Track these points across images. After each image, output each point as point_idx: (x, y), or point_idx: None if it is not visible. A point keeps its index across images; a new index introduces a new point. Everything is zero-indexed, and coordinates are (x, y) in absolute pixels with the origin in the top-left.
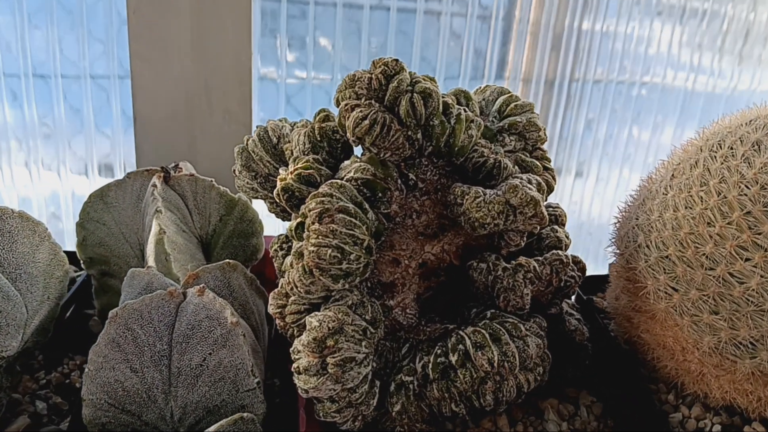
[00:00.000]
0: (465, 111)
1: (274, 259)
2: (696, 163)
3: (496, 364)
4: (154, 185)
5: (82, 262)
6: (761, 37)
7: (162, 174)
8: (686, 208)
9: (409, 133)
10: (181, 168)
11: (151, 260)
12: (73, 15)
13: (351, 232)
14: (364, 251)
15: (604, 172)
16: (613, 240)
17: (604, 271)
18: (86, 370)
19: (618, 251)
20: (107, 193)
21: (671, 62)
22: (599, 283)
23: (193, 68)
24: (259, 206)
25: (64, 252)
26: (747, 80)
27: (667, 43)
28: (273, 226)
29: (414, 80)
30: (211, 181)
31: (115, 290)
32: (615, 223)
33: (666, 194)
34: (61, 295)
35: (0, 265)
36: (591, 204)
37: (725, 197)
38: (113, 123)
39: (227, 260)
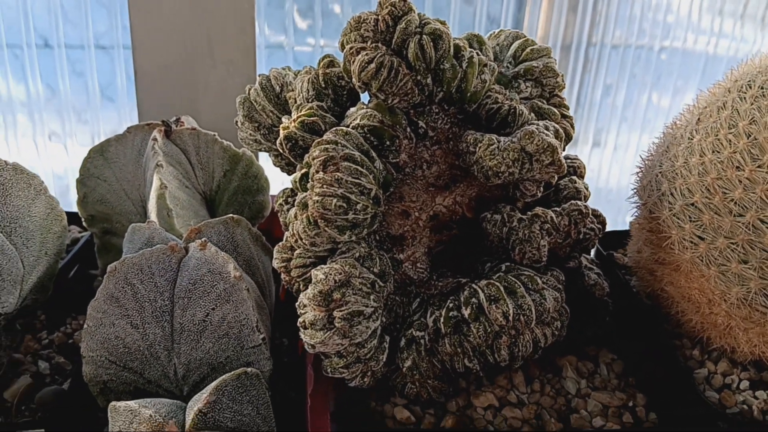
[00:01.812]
0: (478, 54)
1: (279, 214)
2: (724, 105)
3: (511, 318)
4: (155, 139)
5: (83, 219)
6: None
7: (163, 128)
8: (713, 152)
9: (418, 77)
10: (182, 122)
11: (153, 216)
12: None
13: (357, 180)
14: (371, 201)
15: (623, 139)
16: (634, 191)
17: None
18: (85, 326)
19: (640, 201)
20: (107, 148)
21: (692, 27)
22: (619, 238)
23: (194, 18)
24: (267, 164)
25: (69, 215)
26: None
27: (687, 7)
28: (279, 186)
29: (423, 22)
30: (214, 135)
31: (118, 248)
32: (637, 173)
33: (692, 139)
34: (60, 251)
35: None
36: (609, 171)
37: (755, 139)
38: (119, 92)
39: (231, 215)
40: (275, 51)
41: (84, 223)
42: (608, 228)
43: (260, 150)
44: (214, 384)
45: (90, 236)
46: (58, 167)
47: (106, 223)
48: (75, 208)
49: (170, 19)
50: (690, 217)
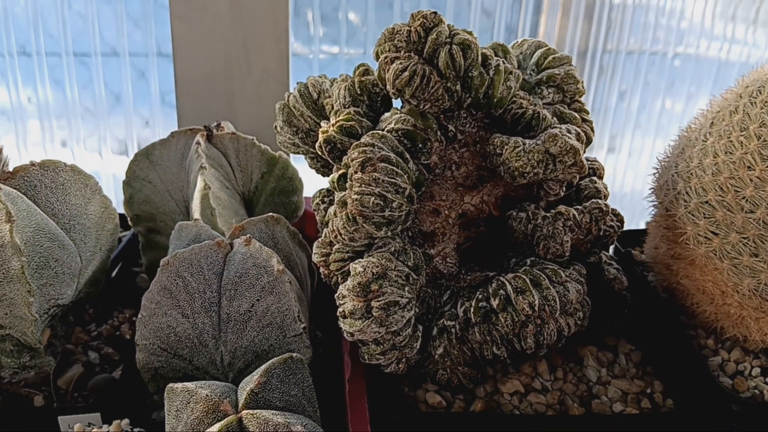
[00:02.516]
0: (504, 63)
1: (316, 213)
2: (736, 109)
3: (537, 308)
4: (198, 143)
5: (129, 219)
6: None
7: (205, 132)
8: (726, 153)
9: (449, 84)
10: (222, 127)
11: (197, 214)
12: None
13: (393, 180)
14: (405, 199)
15: (637, 144)
16: (651, 190)
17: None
18: (139, 316)
19: (657, 200)
20: (152, 151)
21: (705, 33)
22: (637, 237)
23: (232, 27)
24: (299, 166)
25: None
26: None
27: (700, 13)
28: (311, 188)
29: (453, 32)
30: (253, 139)
31: (161, 246)
32: (654, 173)
33: (705, 141)
34: (112, 247)
35: (54, 216)
36: (624, 176)
37: (765, 141)
38: (151, 101)
39: (271, 214)
40: (297, 59)
41: (129, 223)
42: (624, 222)
43: (298, 153)
44: (264, 367)
45: (132, 235)
46: (119, 172)
47: (151, 222)
48: (121, 209)
49: (209, 30)
50: (704, 214)
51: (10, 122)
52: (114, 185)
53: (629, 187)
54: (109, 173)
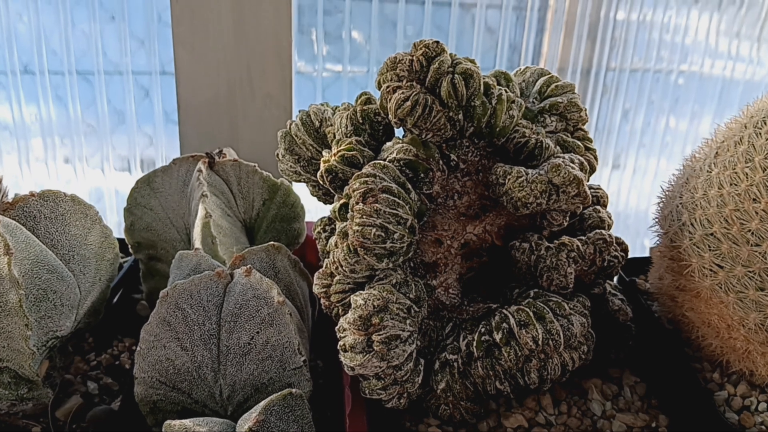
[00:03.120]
0: (506, 91)
1: (317, 242)
2: (740, 140)
3: (540, 342)
4: (200, 170)
5: (129, 246)
6: None
7: (207, 159)
8: (731, 185)
9: (451, 113)
10: (225, 154)
11: (197, 243)
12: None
13: (394, 211)
14: (407, 230)
15: (641, 163)
16: (656, 219)
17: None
18: (138, 348)
19: (662, 231)
20: (154, 179)
21: (709, 51)
22: (641, 265)
23: (235, 52)
24: (301, 192)
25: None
26: None
27: (704, 31)
28: (313, 214)
29: (455, 62)
30: (254, 166)
31: (162, 274)
32: (658, 203)
33: (710, 172)
34: (112, 277)
35: (54, 246)
36: (628, 195)
37: None
38: (155, 119)
39: (272, 242)
40: (303, 78)
41: (130, 250)
42: (629, 251)
43: (299, 181)
44: (262, 404)
45: (133, 262)
46: (124, 189)
47: (152, 250)
48: (122, 235)
49: (212, 55)
50: (709, 247)
51: (13, 139)
52: (117, 202)
53: (633, 205)
54: (112, 189)
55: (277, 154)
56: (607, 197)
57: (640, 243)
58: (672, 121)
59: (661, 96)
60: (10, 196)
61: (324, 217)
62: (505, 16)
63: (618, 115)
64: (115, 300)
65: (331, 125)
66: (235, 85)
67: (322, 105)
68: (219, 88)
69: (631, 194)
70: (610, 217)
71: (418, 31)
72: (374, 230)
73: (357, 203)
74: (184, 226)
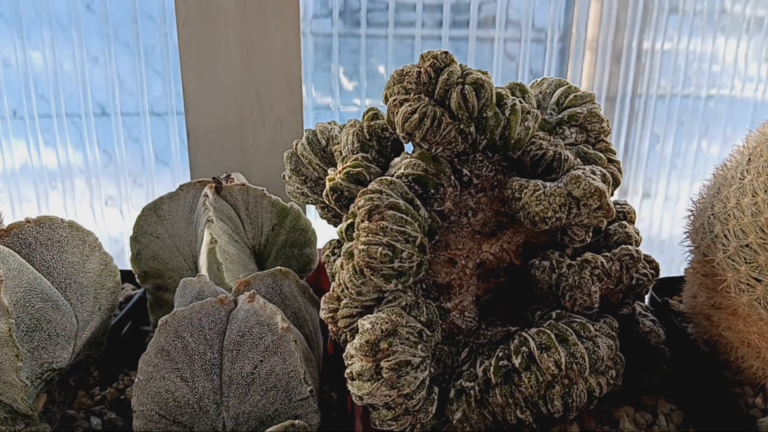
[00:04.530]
0: (521, 102)
1: (326, 265)
2: None
3: (563, 367)
4: (206, 195)
5: (136, 276)
6: None
7: (213, 184)
8: (766, 192)
9: (461, 126)
10: (232, 178)
11: (203, 270)
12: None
13: (402, 229)
14: (416, 249)
15: (674, 189)
16: (687, 233)
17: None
18: (136, 380)
19: (693, 245)
20: (160, 206)
21: (738, 74)
22: (674, 284)
23: (243, 78)
24: (314, 217)
25: (124, 273)
26: None
27: (732, 56)
28: (327, 238)
29: (465, 72)
30: (263, 190)
31: (170, 304)
32: (689, 216)
33: (743, 179)
34: (113, 306)
35: (49, 274)
36: (661, 221)
37: None
38: (173, 156)
39: (279, 267)
40: (322, 112)
41: (137, 280)
42: (659, 269)
43: (307, 203)
44: None
45: (143, 293)
46: (114, 230)
47: (159, 279)
48: (129, 267)
49: (221, 82)
50: (745, 259)
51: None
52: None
53: (667, 233)
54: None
55: (284, 176)
56: (634, 213)
57: (676, 269)
58: (704, 145)
59: (691, 120)
60: (6, 223)
61: (333, 240)
62: (525, 48)
63: (647, 141)
64: (123, 332)
65: (338, 143)
66: (245, 111)
67: (329, 123)
68: (229, 114)
69: (665, 220)
70: (637, 233)
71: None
72: (381, 249)
73: (362, 221)
74: (192, 254)
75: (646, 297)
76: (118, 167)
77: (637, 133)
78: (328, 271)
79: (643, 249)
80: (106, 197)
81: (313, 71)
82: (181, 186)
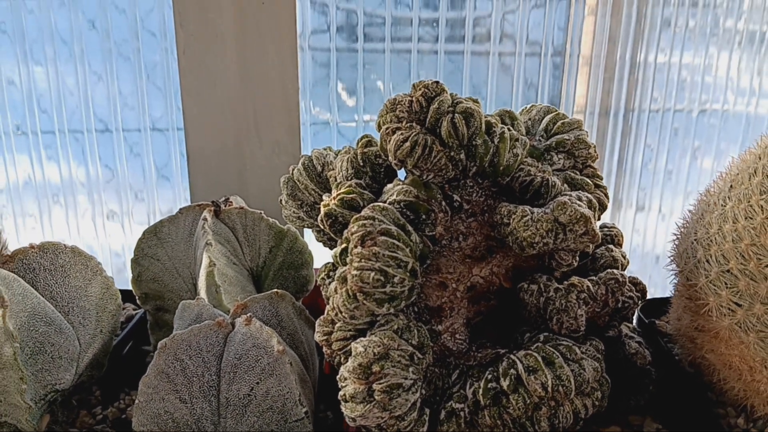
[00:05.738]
0: (509, 130)
1: (321, 288)
2: (755, 171)
3: (550, 389)
4: (205, 219)
5: (137, 297)
6: None
7: (213, 208)
8: (746, 218)
9: (452, 153)
10: (231, 201)
11: (202, 292)
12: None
13: (394, 254)
14: (408, 274)
15: (667, 204)
16: (672, 257)
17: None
18: (137, 401)
19: (677, 269)
20: (160, 228)
21: (731, 88)
22: (662, 306)
23: (242, 101)
24: (311, 239)
25: (125, 293)
26: None
27: (725, 69)
28: (324, 259)
29: (455, 101)
30: (260, 213)
31: (170, 325)
32: (673, 240)
33: (725, 206)
34: (114, 328)
35: (53, 299)
36: (655, 236)
37: None
38: (174, 171)
39: (275, 290)
40: (322, 128)
41: (138, 301)
42: (657, 292)
43: (303, 226)
44: None
45: (144, 313)
46: (116, 245)
47: (159, 301)
48: (130, 286)
49: (219, 104)
50: (726, 284)
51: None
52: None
53: (661, 247)
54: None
55: (281, 200)
56: (622, 236)
57: (669, 286)
58: (697, 159)
59: (684, 135)
60: (11, 249)
61: (328, 263)
62: (519, 62)
63: (640, 156)
64: (124, 352)
65: (333, 169)
66: (243, 134)
67: (324, 149)
68: (227, 136)
69: (658, 236)
70: (624, 256)
71: (432, 75)
72: (373, 274)
73: (355, 247)
74: (191, 276)
75: (634, 318)
76: (119, 182)
77: (630, 147)
78: (323, 293)
79: (639, 264)
80: (108, 212)
81: (311, 87)
82: (180, 209)
